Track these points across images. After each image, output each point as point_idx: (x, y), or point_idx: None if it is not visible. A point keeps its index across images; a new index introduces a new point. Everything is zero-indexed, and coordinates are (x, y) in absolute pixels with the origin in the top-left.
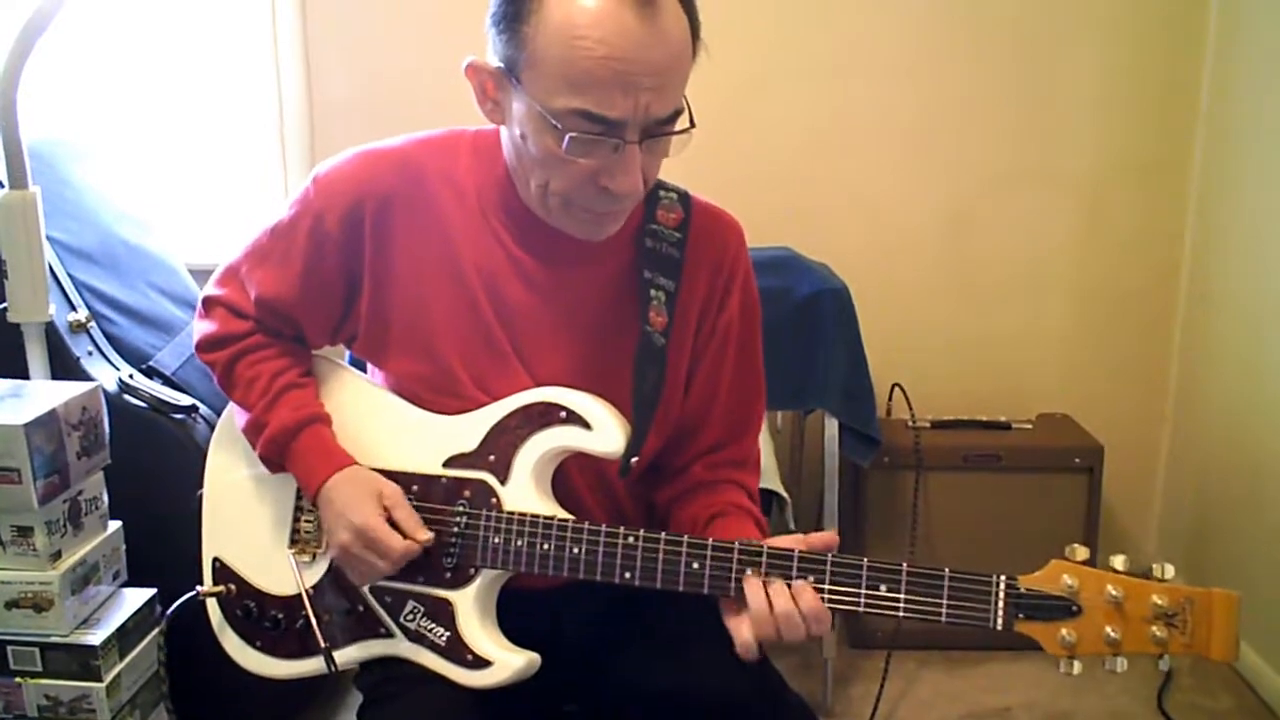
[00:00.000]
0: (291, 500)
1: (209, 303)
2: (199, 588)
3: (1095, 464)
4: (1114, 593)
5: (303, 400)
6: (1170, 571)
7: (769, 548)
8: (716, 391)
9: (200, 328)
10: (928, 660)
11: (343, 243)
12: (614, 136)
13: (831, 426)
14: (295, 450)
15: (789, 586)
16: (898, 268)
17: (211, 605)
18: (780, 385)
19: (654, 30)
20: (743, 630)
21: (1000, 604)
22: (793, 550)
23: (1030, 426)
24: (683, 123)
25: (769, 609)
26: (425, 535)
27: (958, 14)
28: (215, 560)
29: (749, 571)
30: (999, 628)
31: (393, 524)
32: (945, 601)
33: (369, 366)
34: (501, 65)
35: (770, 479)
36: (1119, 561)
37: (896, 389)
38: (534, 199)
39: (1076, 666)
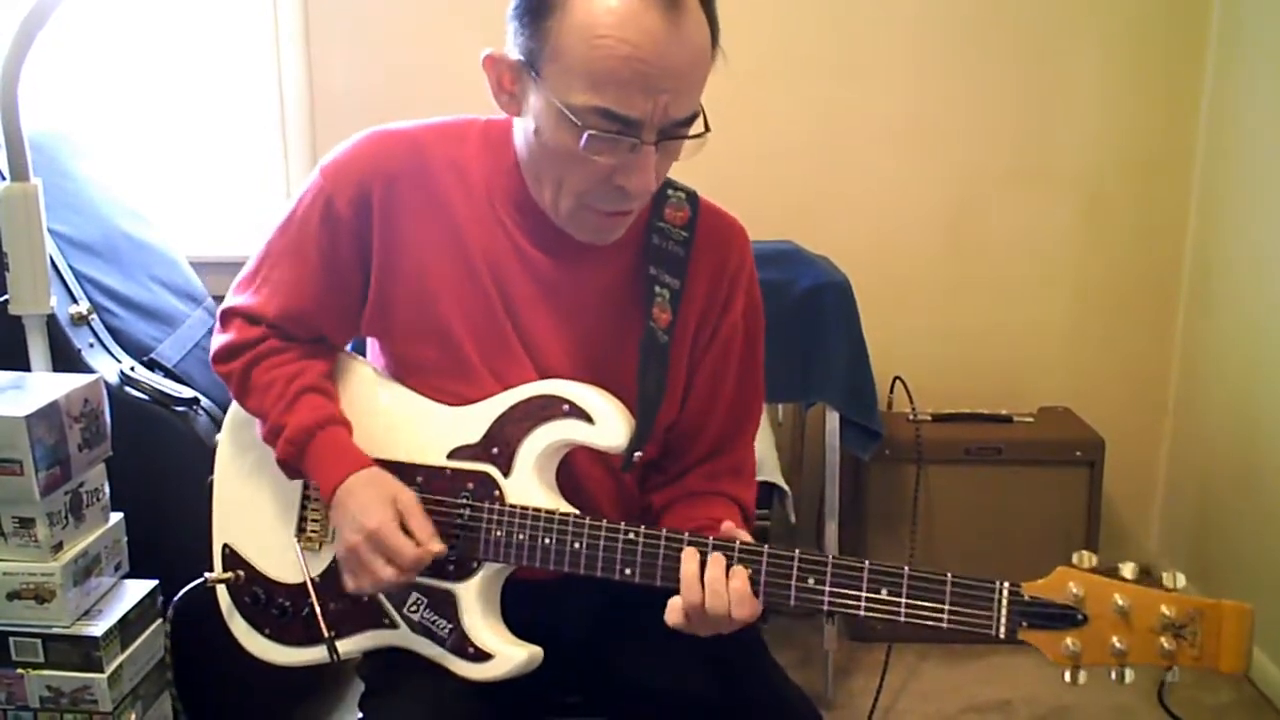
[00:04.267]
0: (299, 489)
1: (225, 315)
2: (207, 574)
3: (1096, 457)
4: (1121, 602)
5: (320, 403)
6: (1181, 580)
7: (770, 548)
8: (718, 395)
9: (216, 340)
10: (928, 653)
11: (354, 225)
12: (631, 136)
13: (832, 420)
14: (312, 450)
15: (728, 567)
16: (899, 261)
17: (221, 592)
18: (782, 378)
19: (677, 33)
20: (674, 600)
21: (1003, 612)
22: (793, 551)
23: (1031, 420)
24: (698, 127)
25: (699, 574)
26: (438, 546)
27: (961, 9)
28: (225, 547)
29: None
30: (1001, 636)
31: (406, 532)
32: (947, 608)
33: (370, 347)
34: (521, 59)
35: (771, 472)
36: (1128, 570)
37: (898, 382)
38: (545, 198)
39: (1082, 677)
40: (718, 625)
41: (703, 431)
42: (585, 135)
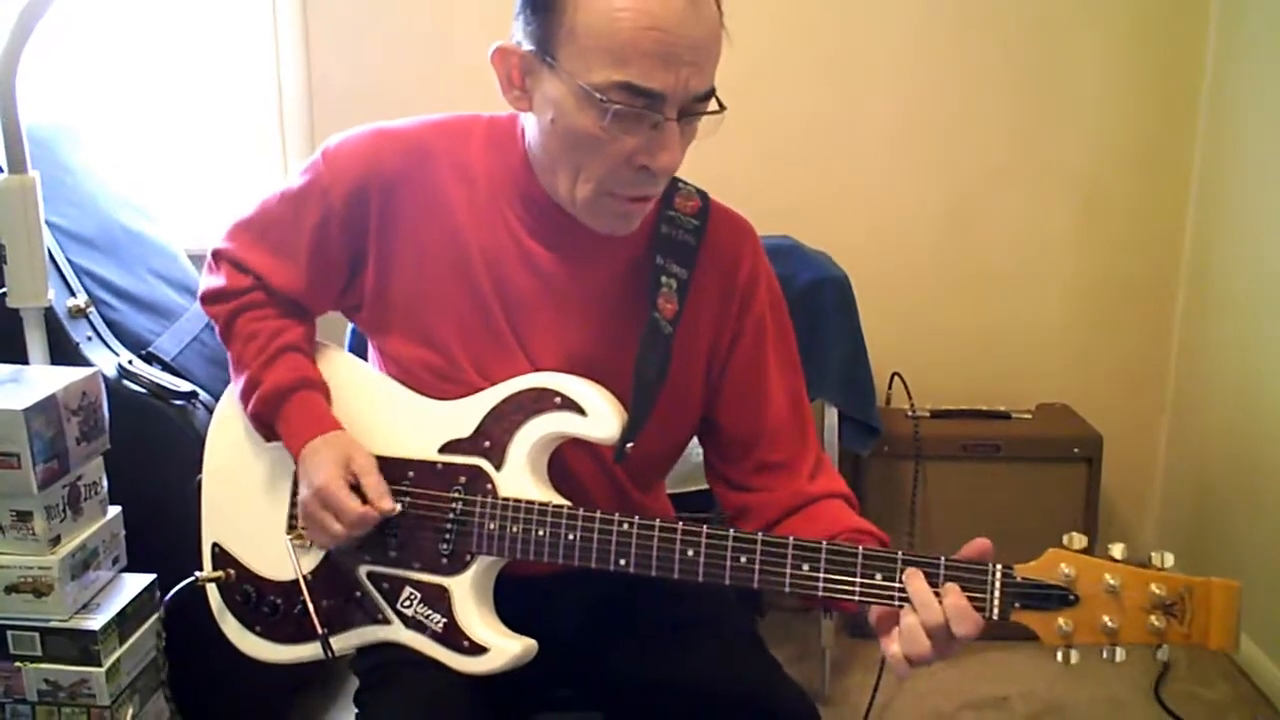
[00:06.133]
0: (289, 486)
1: (217, 256)
2: (197, 573)
3: (1094, 454)
4: (1111, 581)
5: (299, 363)
6: (1170, 560)
7: (763, 535)
8: (765, 392)
9: (206, 280)
10: None
11: (347, 220)
12: (655, 111)
13: (831, 415)
14: (286, 410)
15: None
16: (898, 257)
17: (211, 590)
18: None
19: (694, 6)
20: (897, 631)
21: (996, 593)
22: (788, 537)
23: (1030, 416)
24: (713, 105)
25: (935, 597)
26: (388, 505)
27: (959, 6)
28: (215, 545)
29: (908, 570)
30: (995, 617)
31: (359, 491)
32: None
33: (369, 349)
34: (533, 48)
35: None
36: (1117, 550)
37: (896, 378)
38: (560, 190)
39: (1074, 656)
40: (943, 647)
41: (764, 426)
42: (610, 112)
